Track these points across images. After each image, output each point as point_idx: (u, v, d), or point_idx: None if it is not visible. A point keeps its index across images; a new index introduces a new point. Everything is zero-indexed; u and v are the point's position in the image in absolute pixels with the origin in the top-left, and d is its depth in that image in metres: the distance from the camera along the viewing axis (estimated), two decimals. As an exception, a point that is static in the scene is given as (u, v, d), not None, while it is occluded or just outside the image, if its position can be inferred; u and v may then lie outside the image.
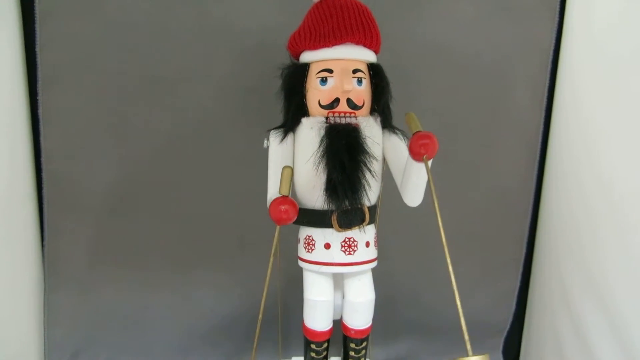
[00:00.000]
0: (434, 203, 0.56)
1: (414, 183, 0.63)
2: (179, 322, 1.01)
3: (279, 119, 0.71)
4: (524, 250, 1.07)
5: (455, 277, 1.11)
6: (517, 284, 1.09)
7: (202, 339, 1.02)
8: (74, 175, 0.94)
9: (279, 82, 0.69)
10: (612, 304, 0.83)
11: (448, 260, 0.57)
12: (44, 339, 0.98)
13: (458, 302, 0.56)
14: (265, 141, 0.69)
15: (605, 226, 0.85)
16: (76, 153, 0.93)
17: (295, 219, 0.60)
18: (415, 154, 0.57)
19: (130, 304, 1.00)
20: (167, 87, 0.92)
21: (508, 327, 1.11)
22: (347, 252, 0.66)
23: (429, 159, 0.57)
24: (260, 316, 0.60)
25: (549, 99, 1.00)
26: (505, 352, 1.13)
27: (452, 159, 0.96)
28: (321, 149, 0.62)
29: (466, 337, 0.54)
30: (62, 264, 0.97)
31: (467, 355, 0.54)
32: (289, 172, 0.61)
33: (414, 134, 0.58)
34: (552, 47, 0.98)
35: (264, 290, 0.59)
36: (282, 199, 0.59)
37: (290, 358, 0.87)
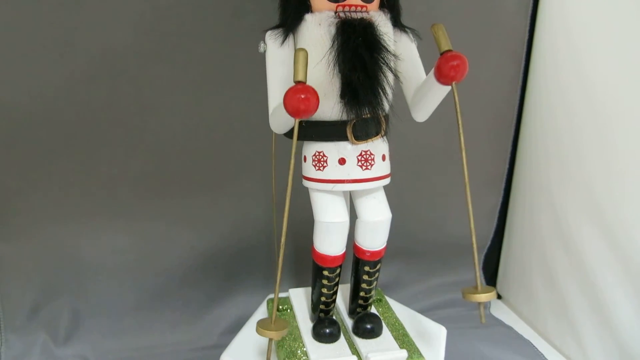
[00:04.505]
0: (459, 134, 0.53)
1: (431, 103, 0.59)
2: (153, 264, 0.92)
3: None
4: (506, 165, 1.06)
5: (439, 196, 1.09)
6: (500, 200, 1.08)
7: (181, 280, 0.93)
8: (8, 106, 0.78)
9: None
10: (596, 214, 0.83)
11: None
12: (-3, 295, 0.86)
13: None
14: (262, 44, 0.59)
15: (588, 136, 0.85)
16: (8, 78, 0.77)
17: (316, 110, 0.51)
18: (444, 76, 0.52)
19: (93, 248, 0.89)
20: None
21: (489, 243, 1.12)
22: (364, 167, 0.60)
23: (457, 83, 0.53)
24: (283, 240, 0.52)
25: (534, 9, 0.96)
26: (484, 269, 1.14)
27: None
28: (335, 48, 0.54)
29: (478, 273, 0.56)
30: (8, 211, 0.84)
31: (477, 289, 0.55)
32: (305, 54, 0.51)
33: (443, 53, 0.52)
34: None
35: (284, 214, 0.51)
36: (300, 86, 0.50)
37: (287, 290, 0.81)
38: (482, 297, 0.55)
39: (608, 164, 0.81)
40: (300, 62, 0.51)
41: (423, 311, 0.91)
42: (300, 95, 0.49)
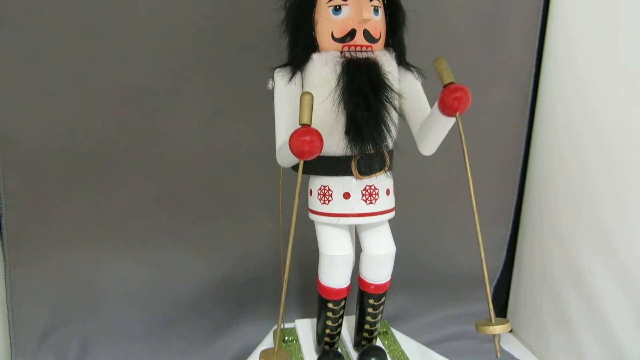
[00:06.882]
0: (465, 162, 0.54)
1: (436, 135, 0.60)
2: (163, 292, 0.93)
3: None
4: (515, 198, 1.06)
5: (448, 228, 1.09)
6: (508, 232, 1.08)
7: (189, 309, 0.94)
8: (27, 135, 0.81)
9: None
10: (608, 251, 0.83)
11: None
12: (9, 319, 0.87)
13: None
14: (270, 82, 0.61)
15: (596, 169, 0.84)
16: (27, 109, 0.80)
17: (320, 151, 0.53)
18: (448, 108, 0.53)
19: (105, 275, 0.90)
20: (136, 24, 0.80)
21: (498, 275, 1.11)
22: (368, 202, 0.61)
23: (461, 114, 0.54)
24: (285, 275, 0.53)
25: (540, 43, 0.97)
26: (494, 301, 1.13)
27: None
28: (340, 87, 0.56)
29: (491, 305, 0.56)
30: (23, 236, 0.86)
31: (491, 321, 0.55)
32: (310, 98, 0.53)
33: (445, 86, 0.54)
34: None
35: (288, 244, 0.52)
36: (305, 129, 0.52)
37: (293, 321, 0.81)
38: (497, 329, 0.53)
39: (618, 200, 0.80)
40: (305, 106, 0.53)
41: (431, 344, 0.90)
42: (304, 137, 0.51)
